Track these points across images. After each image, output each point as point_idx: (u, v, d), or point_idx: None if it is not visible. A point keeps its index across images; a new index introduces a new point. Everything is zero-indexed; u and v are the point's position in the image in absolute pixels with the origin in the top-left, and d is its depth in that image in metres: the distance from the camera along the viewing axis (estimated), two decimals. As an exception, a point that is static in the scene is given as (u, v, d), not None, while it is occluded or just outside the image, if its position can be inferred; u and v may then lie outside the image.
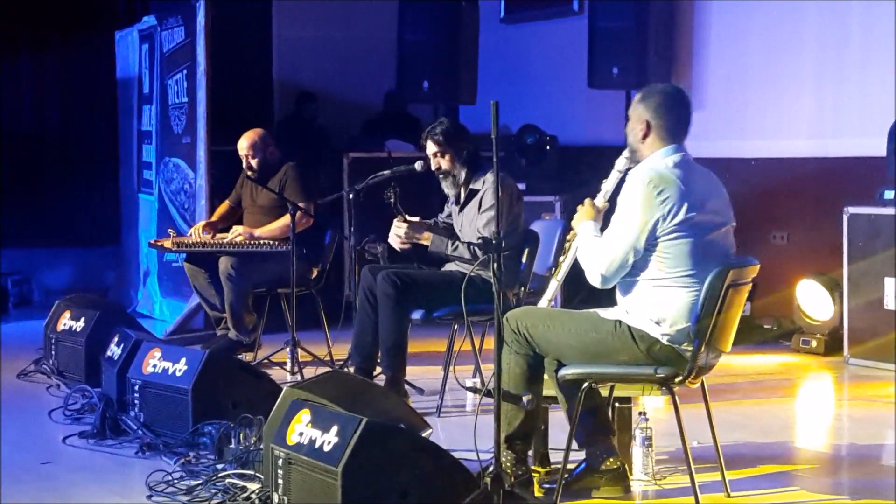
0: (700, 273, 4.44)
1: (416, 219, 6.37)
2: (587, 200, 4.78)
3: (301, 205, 7.16)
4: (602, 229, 4.66)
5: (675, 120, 4.61)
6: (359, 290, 6.34)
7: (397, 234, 6.29)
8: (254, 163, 7.50)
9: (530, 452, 4.86)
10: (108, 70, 10.59)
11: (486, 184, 6.21)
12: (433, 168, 6.38)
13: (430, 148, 6.36)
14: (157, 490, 4.78)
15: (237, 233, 7.39)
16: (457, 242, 6.21)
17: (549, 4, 10.36)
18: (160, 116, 9.33)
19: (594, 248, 4.55)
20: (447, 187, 6.42)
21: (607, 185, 4.80)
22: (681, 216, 4.42)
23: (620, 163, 4.75)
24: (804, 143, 8.38)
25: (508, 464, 4.66)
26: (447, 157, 6.31)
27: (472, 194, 6.31)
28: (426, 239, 6.25)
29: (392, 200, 6.34)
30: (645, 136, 4.61)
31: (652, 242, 4.44)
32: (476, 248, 6.03)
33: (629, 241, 4.44)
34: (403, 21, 9.90)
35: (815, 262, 8.08)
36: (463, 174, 6.32)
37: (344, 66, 11.02)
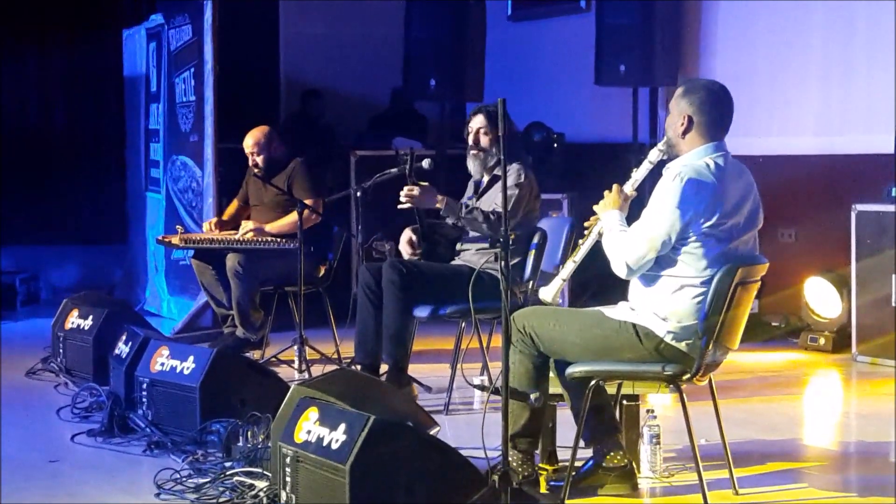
0: (716, 275, 4.43)
1: (427, 184, 6.35)
2: (615, 186, 4.74)
3: (309, 202, 7.18)
4: (628, 219, 4.65)
5: (718, 117, 4.57)
6: (358, 287, 6.35)
7: (409, 194, 6.26)
8: (259, 160, 7.53)
9: (537, 452, 4.86)
10: (116, 68, 10.61)
11: (509, 170, 6.22)
12: (471, 142, 6.38)
13: (479, 122, 6.35)
14: (165, 488, 4.79)
15: (247, 229, 7.39)
16: (471, 206, 6.20)
17: (556, 2, 10.36)
18: (168, 114, 9.34)
19: (622, 239, 4.53)
20: (475, 166, 6.42)
21: (637, 174, 4.74)
22: (713, 220, 4.41)
23: (653, 154, 4.70)
24: (812, 141, 8.37)
25: (515, 463, 4.65)
26: (490, 136, 6.31)
27: (494, 180, 6.33)
28: (439, 201, 6.24)
29: (406, 168, 6.33)
30: (686, 132, 4.56)
31: (681, 241, 4.43)
32: (492, 215, 6.02)
33: (659, 237, 4.42)
34: (410, 18, 9.89)
35: (823, 260, 8.07)
36: (492, 160, 6.33)
37: (350, 63, 11.03)
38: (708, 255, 4.44)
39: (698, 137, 4.56)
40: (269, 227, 7.42)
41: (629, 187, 4.76)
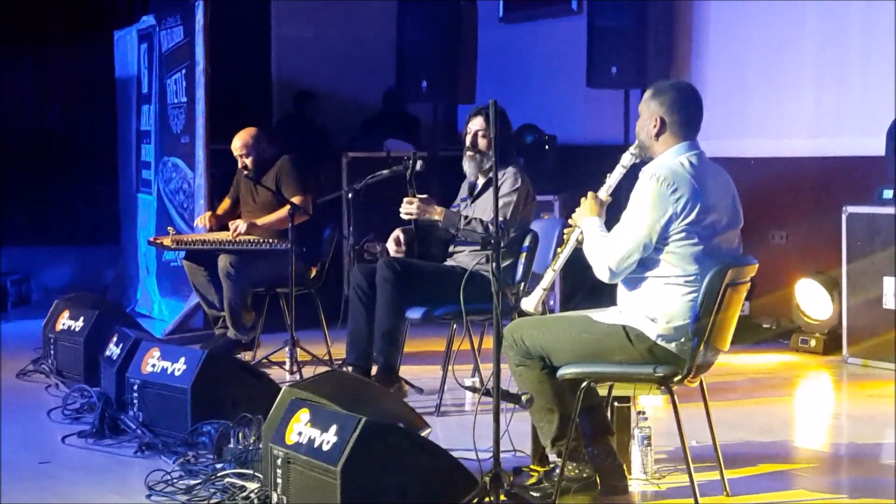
0: (703, 274, 4.43)
1: (426, 196, 6.34)
2: (590, 194, 4.74)
3: (298, 199, 7.17)
4: (606, 224, 4.65)
5: (689, 116, 4.59)
6: (350, 289, 6.35)
7: (408, 210, 6.24)
8: (248, 161, 7.52)
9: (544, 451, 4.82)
10: (107, 70, 10.59)
11: (506, 174, 6.22)
12: (468, 143, 6.36)
13: (479, 124, 6.34)
14: (156, 489, 4.78)
15: (237, 225, 7.37)
16: (469, 217, 6.20)
17: (547, 4, 10.37)
18: (159, 116, 9.33)
19: (603, 244, 4.53)
20: (470, 168, 6.41)
21: (611, 180, 4.76)
22: (693, 216, 4.41)
23: (626, 158, 4.71)
24: (803, 143, 8.38)
25: (574, 472, 4.63)
26: (488, 138, 6.31)
27: (489, 182, 6.33)
28: (438, 213, 6.24)
29: (408, 173, 6.31)
30: (659, 134, 4.57)
31: (663, 241, 4.43)
32: (490, 225, 6.02)
33: (640, 237, 4.42)
34: (402, 20, 9.90)
35: (814, 262, 8.08)
36: (488, 162, 6.32)
37: (343, 65, 11.02)
38: (692, 252, 4.44)
39: (671, 138, 4.57)
40: (259, 222, 7.41)
41: (604, 193, 4.76)
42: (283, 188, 7.39)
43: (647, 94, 4.66)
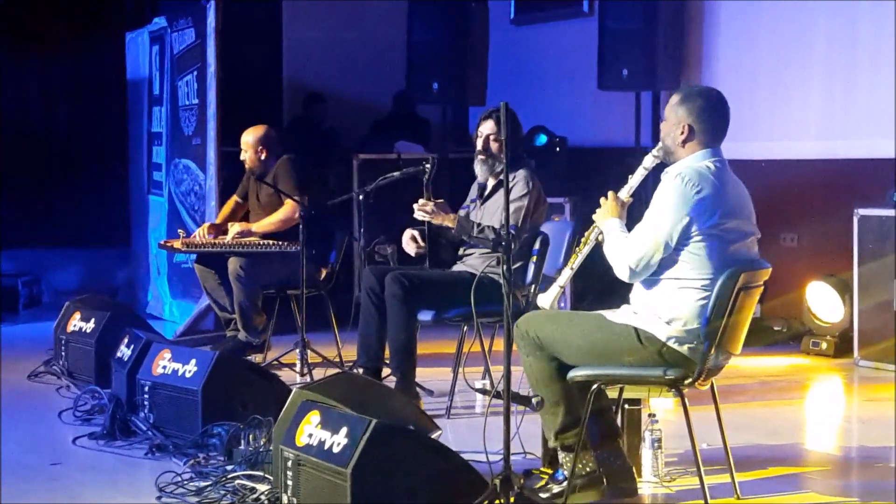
0: (718, 278, 4.43)
1: (441, 201, 6.34)
2: (611, 194, 4.74)
3: (295, 197, 7.17)
4: (628, 226, 4.65)
5: (716, 125, 4.59)
6: (362, 290, 6.34)
7: (423, 211, 6.23)
8: (244, 157, 7.55)
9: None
10: (119, 71, 10.61)
11: (516, 177, 6.21)
12: (479, 147, 6.35)
13: (490, 127, 6.32)
14: (166, 491, 4.79)
15: (235, 230, 7.38)
16: (483, 225, 6.19)
17: (558, 6, 10.37)
18: (170, 118, 9.34)
19: (624, 242, 4.53)
20: (482, 171, 6.39)
21: (633, 181, 4.75)
22: (715, 219, 4.42)
23: (648, 160, 4.71)
24: (814, 145, 8.37)
25: (579, 467, 4.60)
26: (500, 142, 6.29)
27: (500, 185, 6.31)
28: (451, 220, 6.22)
29: (426, 178, 6.30)
30: (686, 141, 4.57)
31: (683, 242, 4.43)
32: (501, 231, 6.00)
33: (662, 236, 4.42)
34: (413, 22, 9.90)
35: (825, 264, 8.06)
36: (500, 166, 6.31)
37: (353, 67, 11.03)
38: (710, 256, 4.44)
39: (697, 145, 4.58)
40: (255, 227, 7.43)
41: (625, 193, 4.76)
42: (280, 187, 7.39)
43: (675, 98, 4.65)
